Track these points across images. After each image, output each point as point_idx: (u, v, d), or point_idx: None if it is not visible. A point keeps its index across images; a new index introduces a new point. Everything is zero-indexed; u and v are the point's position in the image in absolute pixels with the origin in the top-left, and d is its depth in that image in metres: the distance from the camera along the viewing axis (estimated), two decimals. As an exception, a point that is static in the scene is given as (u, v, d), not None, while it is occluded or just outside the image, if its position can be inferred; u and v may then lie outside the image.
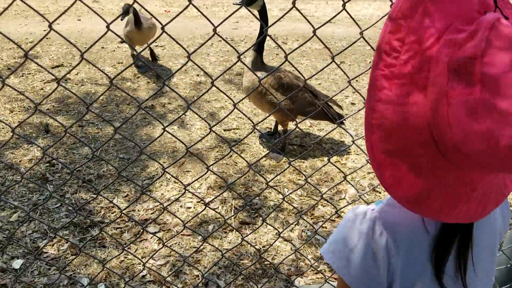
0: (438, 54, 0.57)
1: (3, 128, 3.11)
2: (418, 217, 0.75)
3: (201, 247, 2.29)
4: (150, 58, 4.30)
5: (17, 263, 2.10)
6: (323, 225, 2.46)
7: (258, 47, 2.86)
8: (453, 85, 0.55)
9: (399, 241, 0.76)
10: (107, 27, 0.88)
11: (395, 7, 0.62)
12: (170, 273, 2.12)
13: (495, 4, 0.60)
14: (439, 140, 0.60)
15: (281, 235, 2.35)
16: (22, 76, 3.87)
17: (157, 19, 0.95)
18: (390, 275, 0.76)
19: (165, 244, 1.77)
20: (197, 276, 2.14)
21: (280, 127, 3.17)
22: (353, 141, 1.43)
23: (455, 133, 0.57)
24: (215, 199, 2.42)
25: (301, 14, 1.05)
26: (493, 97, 0.54)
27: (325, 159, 3.00)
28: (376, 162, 0.67)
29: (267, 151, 3.06)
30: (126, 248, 1.71)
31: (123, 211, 1.37)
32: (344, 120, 3.07)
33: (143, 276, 2.11)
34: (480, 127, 0.55)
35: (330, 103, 3.05)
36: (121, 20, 3.49)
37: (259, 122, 1.40)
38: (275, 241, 1.99)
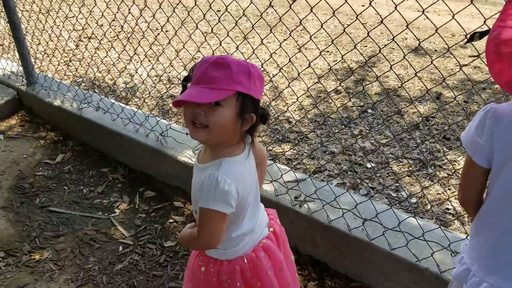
0: None
1: (407, 79, 4.04)
2: None
3: None
4: None
5: (369, 164, 3.01)
6: None
7: None
8: None
9: (501, 121, 1.07)
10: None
11: None
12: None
13: None
14: None
15: None
16: (443, 58, 4.69)
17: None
18: (490, 144, 1.09)
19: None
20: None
21: None
22: None
23: None
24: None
25: None
26: None
27: None
28: (489, 60, 1.03)
29: None
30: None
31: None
32: None
33: (447, 209, 2.60)
34: None
35: None
36: None
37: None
38: None
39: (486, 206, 1.19)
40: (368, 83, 4.19)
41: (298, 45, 2.48)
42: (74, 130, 3.31)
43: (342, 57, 2.14)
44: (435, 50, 4.89)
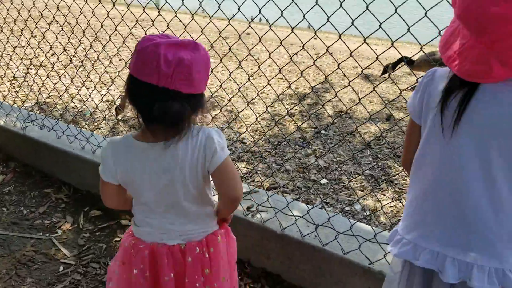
0: None
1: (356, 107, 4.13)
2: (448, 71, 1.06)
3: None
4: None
5: (323, 180, 3.01)
6: None
7: None
8: None
9: (433, 82, 1.10)
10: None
11: None
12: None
13: None
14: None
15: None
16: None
17: None
18: (420, 102, 1.12)
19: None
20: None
21: None
22: None
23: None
24: None
25: None
26: None
27: None
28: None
29: None
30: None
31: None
32: None
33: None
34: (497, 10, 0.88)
35: None
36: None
37: None
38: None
39: (412, 165, 1.19)
40: (320, 106, 4.26)
41: (247, 73, 2.49)
42: (17, 151, 3.14)
43: (289, 86, 2.16)
44: (384, 77, 5.06)
